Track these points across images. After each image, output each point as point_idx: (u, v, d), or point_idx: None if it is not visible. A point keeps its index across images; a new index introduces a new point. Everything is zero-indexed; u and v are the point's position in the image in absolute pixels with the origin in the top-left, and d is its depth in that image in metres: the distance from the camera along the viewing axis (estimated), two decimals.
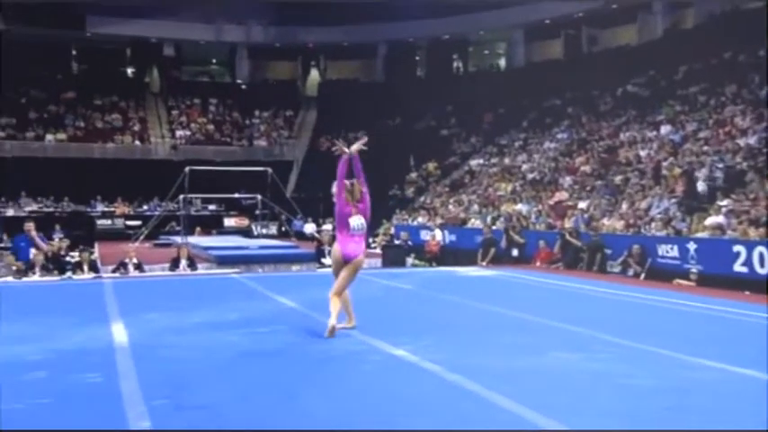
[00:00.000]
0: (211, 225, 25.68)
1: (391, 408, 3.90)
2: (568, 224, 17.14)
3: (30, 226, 12.55)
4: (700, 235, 13.45)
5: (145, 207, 27.38)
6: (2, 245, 18.43)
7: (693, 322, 6.73)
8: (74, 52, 34.56)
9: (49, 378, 4.54)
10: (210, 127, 32.71)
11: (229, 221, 26.58)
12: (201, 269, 13.38)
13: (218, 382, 4.49)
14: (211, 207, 27.38)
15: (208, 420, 3.66)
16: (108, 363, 5.00)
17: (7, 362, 4.99)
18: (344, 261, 6.29)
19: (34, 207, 25.82)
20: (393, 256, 15.05)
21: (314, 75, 36.66)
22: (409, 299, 8.18)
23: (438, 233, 18.61)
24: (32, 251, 12.20)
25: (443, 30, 33.66)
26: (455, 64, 35.87)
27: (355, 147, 6.47)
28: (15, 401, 3.96)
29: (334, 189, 6.47)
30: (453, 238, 19.94)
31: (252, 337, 5.94)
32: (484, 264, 14.46)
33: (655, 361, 5.00)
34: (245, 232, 24.67)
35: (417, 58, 36.64)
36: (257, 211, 24.18)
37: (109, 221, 25.86)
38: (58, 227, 20.75)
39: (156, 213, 24.29)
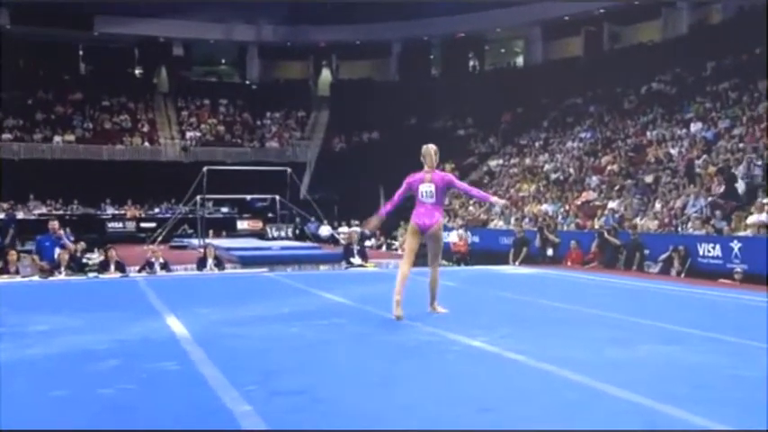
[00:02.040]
0: (224, 228, 25.62)
1: (493, 395, 3.81)
2: (598, 224, 17.08)
3: (54, 225, 12.51)
4: (742, 233, 13.37)
5: (156, 210, 27.35)
6: (19, 248, 18.36)
7: None
8: (81, 52, 34.65)
9: (125, 366, 4.47)
10: (221, 128, 32.71)
11: (242, 224, 26.51)
12: (229, 269, 13.33)
13: (303, 368, 4.41)
14: (224, 209, 27.32)
15: (310, 404, 3.58)
16: (178, 352, 4.92)
17: (74, 351, 4.92)
18: (420, 232, 6.47)
19: (43, 210, 25.79)
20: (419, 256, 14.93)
21: (326, 74, 36.67)
22: (461, 295, 8.09)
23: (465, 233, 18.54)
24: (57, 250, 12.18)
25: (459, 27, 33.66)
26: (471, 62, 35.89)
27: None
28: (101, 387, 3.89)
29: None
30: (476, 239, 19.87)
31: (315, 329, 5.86)
32: (516, 264, 14.38)
33: (753, 354, 4.90)
34: (260, 235, 24.60)
35: (432, 56, 36.65)
36: (273, 213, 24.12)
37: (120, 224, 25.86)
38: (68, 230, 20.74)
39: (168, 216, 24.25)
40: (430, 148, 6.56)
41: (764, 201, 14.01)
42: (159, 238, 18.91)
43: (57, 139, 29.27)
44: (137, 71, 35.70)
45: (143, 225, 25.31)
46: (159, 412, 3.44)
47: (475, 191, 7.13)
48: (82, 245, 16.11)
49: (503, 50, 36.75)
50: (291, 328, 5.92)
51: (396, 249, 19.42)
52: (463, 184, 7.06)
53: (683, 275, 12.97)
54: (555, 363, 4.48)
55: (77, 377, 4.14)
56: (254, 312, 6.80)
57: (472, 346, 5.17)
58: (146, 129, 31.60)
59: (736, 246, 12.81)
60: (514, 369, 4.48)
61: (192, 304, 7.34)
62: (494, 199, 7.70)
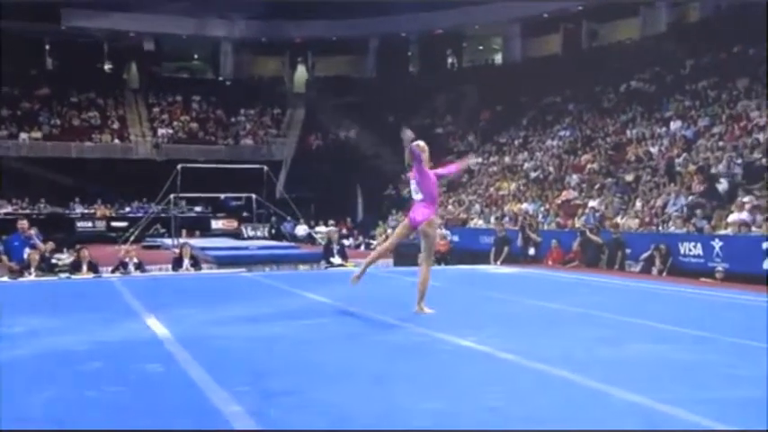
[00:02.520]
0: (198, 227, 25.40)
1: (492, 395, 3.81)
2: (579, 223, 17.23)
3: (24, 224, 12.31)
4: (723, 232, 13.57)
5: (127, 209, 27.05)
6: None
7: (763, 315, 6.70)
8: (47, 47, 34.11)
9: (109, 368, 4.40)
10: (194, 125, 32.45)
11: (217, 223, 26.30)
12: (205, 269, 13.21)
13: (292, 368, 4.38)
14: (198, 208, 27.10)
15: (301, 404, 3.56)
16: (162, 353, 4.86)
17: (55, 352, 4.85)
18: (411, 227, 6.62)
19: (9, 209, 25.37)
20: (405, 256, 14.97)
21: (301, 71, 36.55)
22: (446, 294, 8.09)
23: (446, 232, 18.59)
24: (27, 250, 11.98)
25: (437, 24, 33.73)
26: (449, 59, 35.97)
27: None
28: (86, 389, 3.82)
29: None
30: (456, 238, 19.93)
31: (301, 329, 5.83)
32: (498, 263, 14.44)
33: (747, 352, 4.96)
34: (235, 235, 24.42)
35: (410, 53, 36.69)
36: (249, 212, 23.96)
37: (89, 224, 25.53)
38: (35, 230, 20.41)
39: (140, 215, 23.99)
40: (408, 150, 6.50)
41: (745, 199, 14.23)
42: (131, 238, 18.67)
43: (23, 135, 28.83)
44: (106, 66, 35.28)
45: (114, 224, 25.01)
46: (150, 413, 3.40)
47: (441, 170, 7.16)
48: (51, 245, 15.89)
49: (481, 47, 36.93)
50: (277, 328, 5.88)
51: (375, 249, 19.34)
52: (427, 172, 6.66)
53: (664, 274, 13.13)
54: (550, 362, 4.50)
55: (61, 379, 4.07)
56: (237, 313, 6.74)
57: (463, 345, 5.17)
58: (116, 126, 31.23)
59: (717, 244, 13.00)
60: (508, 368, 4.50)
61: (172, 305, 7.27)
62: (461, 165, 7.71)
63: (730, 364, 4.53)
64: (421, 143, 6.60)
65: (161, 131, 31.53)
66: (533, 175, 23.07)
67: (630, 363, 4.60)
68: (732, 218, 13.76)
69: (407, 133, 6.41)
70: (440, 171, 7.06)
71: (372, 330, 5.86)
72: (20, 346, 5.10)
